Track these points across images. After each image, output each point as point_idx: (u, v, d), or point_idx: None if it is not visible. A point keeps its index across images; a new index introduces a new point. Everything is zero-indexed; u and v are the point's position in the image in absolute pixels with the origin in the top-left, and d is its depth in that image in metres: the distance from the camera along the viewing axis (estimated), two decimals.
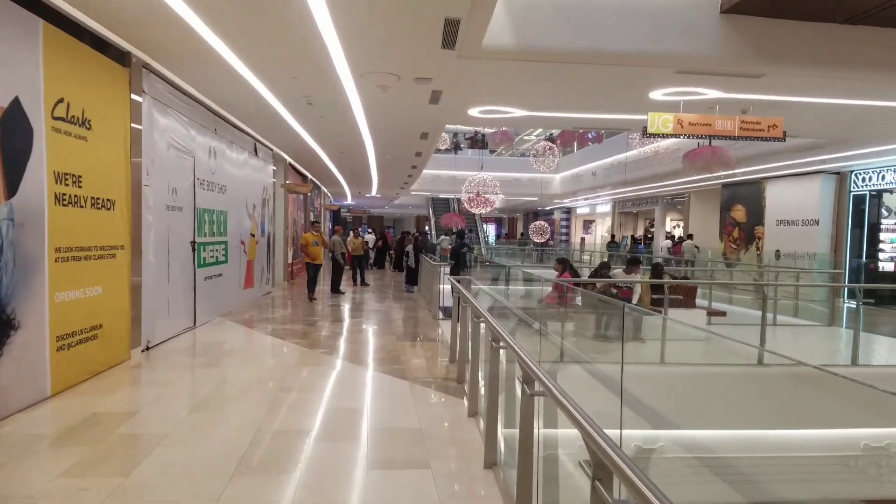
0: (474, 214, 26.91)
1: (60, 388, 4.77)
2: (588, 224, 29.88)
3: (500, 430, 3.37)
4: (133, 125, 5.96)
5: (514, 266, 12.00)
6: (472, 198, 14.74)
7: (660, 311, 8.08)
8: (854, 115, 8.02)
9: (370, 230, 27.99)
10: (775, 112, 7.58)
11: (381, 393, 5.04)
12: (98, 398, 4.66)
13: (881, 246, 13.10)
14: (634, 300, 8.47)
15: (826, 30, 5.56)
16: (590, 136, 23.92)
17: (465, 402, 4.72)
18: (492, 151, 24.74)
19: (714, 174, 11.25)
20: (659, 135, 7.29)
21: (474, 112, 8.09)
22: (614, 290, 8.02)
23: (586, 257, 20.75)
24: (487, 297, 8.72)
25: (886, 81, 6.23)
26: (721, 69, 5.90)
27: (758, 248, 15.86)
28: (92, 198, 5.25)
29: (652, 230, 23.01)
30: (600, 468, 1.54)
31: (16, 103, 4.27)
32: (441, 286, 9.88)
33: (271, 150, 12.47)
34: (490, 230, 37.76)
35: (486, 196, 14.96)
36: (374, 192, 22.99)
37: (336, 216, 26.69)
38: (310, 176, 17.75)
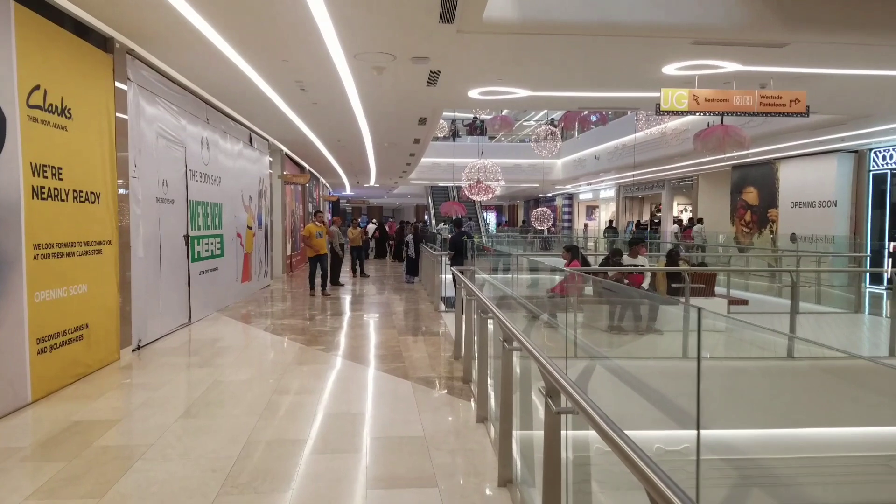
0: (474, 202, 26.54)
1: (42, 394, 4.48)
2: (591, 210, 29.45)
3: (516, 442, 3.04)
4: (118, 114, 5.62)
5: (519, 255, 11.66)
6: (473, 185, 14.36)
7: (677, 300, 7.74)
8: (880, 88, 7.60)
9: (373, 221, 27.66)
10: (796, 86, 7.16)
11: (383, 395, 4.73)
12: (81, 404, 4.37)
13: None
14: (646, 285, 8.13)
15: None
16: (592, 118, 23.43)
17: (473, 404, 4.41)
18: (491, 138, 24.27)
19: (727, 154, 10.85)
20: (673, 112, 6.89)
21: (474, 94, 7.71)
22: (626, 280, 7.67)
23: (590, 244, 20.38)
24: (493, 289, 8.40)
25: None
26: (741, 38, 5.50)
27: (772, 232, 15.45)
28: (74, 190, 4.92)
29: (658, 215, 22.59)
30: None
31: None
32: (443, 276, 9.56)
33: (267, 140, 12.11)
34: (490, 218, 37.36)
35: (488, 183, 14.58)
36: (372, 181, 22.63)
37: (335, 207, 26.35)
38: (307, 167, 17.38)
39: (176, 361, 5.76)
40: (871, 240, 13.26)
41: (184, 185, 7.39)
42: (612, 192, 25.00)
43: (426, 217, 29.43)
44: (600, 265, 7.78)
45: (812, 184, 14.14)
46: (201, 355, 6.10)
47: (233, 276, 9.70)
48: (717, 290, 8.49)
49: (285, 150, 13.70)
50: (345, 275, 13.32)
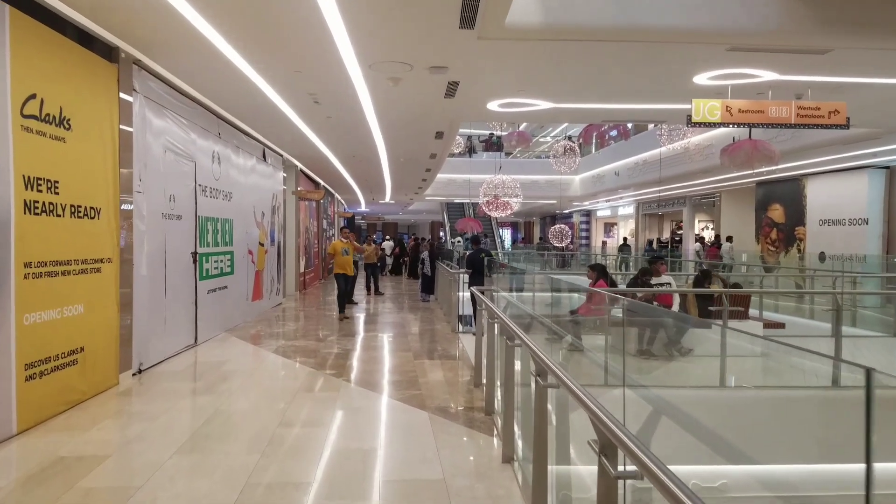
0: (490, 219, 26.19)
1: (29, 424, 4.15)
2: (609, 227, 28.94)
3: (552, 490, 2.63)
4: (122, 126, 5.37)
5: (542, 273, 11.23)
6: (491, 201, 14.02)
7: (710, 324, 7.27)
8: None
9: (388, 237, 27.44)
10: (834, 97, 6.75)
11: (397, 428, 4.34)
12: (70, 436, 4.04)
13: None
14: (675, 306, 7.68)
15: None
16: (610, 134, 23.07)
17: (496, 440, 4.00)
18: (507, 154, 24.01)
19: (755, 170, 10.39)
20: (705, 124, 6.50)
21: (494, 106, 7.40)
22: (655, 302, 7.23)
23: (609, 261, 19.87)
24: (516, 309, 7.98)
25: None
26: (781, 44, 5.13)
27: (799, 250, 14.87)
28: (72, 205, 4.65)
29: (679, 232, 22.03)
30: None
31: None
32: (461, 293, 9.18)
33: (281, 155, 11.92)
34: (506, 235, 36.93)
35: (505, 199, 14.23)
36: (387, 198, 22.41)
37: (350, 223, 26.16)
38: (322, 182, 17.20)
39: (178, 387, 5.43)
40: None
41: (192, 201, 7.13)
42: (630, 209, 24.52)
43: (441, 233, 29.09)
44: (629, 285, 7.34)
45: (842, 201, 13.59)
46: (205, 380, 5.76)
47: (243, 295, 9.40)
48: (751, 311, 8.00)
49: (300, 165, 13.51)
50: (359, 293, 12.98)
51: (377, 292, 14.09)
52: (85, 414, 4.56)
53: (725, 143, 10.82)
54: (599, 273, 7.13)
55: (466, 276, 9.23)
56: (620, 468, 1.77)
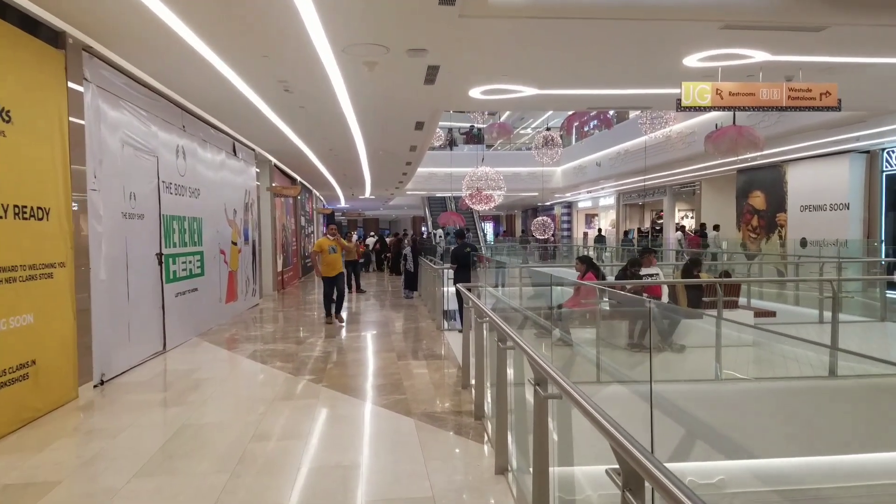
0: (472, 213, 25.91)
1: None
2: (590, 218, 28.88)
3: None
4: (72, 118, 4.92)
5: (528, 266, 10.97)
6: (474, 194, 13.71)
7: (702, 314, 7.08)
8: None
9: (372, 234, 27.00)
10: (824, 78, 6.58)
11: (381, 438, 4.02)
12: (19, 459, 3.64)
13: None
14: (664, 298, 7.47)
15: None
16: (589, 126, 22.92)
17: (487, 447, 3.70)
18: (489, 146, 23.72)
19: (740, 156, 10.24)
20: (694, 108, 6.25)
21: (476, 93, 7.07)
22: (644, 293, 7.01)
23: (590, 253, 19.74)
24: (503, 304, 7.70)
25: None
26: (777, 21, 4.89)
27: (780, 237, 14.86)
28: (15, 206, 4.22)
29: (660, 222, 22.00)
30: None
31: None
32: (445, 289, 8.87)
33: (253, 150, 11.44)
34: (488, 228, 36.73)
35: (489, 192, 13.94)
36: (367, 193, 21.97)
37: (330, 220, 25.63)
38: (299, 178, 16.71)
39: (143, 399, 5.02)
40: (885, 244, 12.69)
41: (156, 199, 6.68)
42: (611, 200, 24.45)
43: (423, 228, 28.70)
44: (617, 277, 7.11)
45: (823, 186, 13.58)
46: (173, 390, 5.36)
47: (215, 297, 8.96)
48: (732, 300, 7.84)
49: (274, 160, 13.03)
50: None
51: (358, 290, 13.71)
52: (38, 433, 4.15)
53: (708, 131, 10.67)
54: (588, 265, 6.87)
55: (451, 272, 8.92)
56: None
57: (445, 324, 8.58)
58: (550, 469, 2.39)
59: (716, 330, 6.28)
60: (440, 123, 15.52)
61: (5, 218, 4.12)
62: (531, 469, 2.50)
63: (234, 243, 10.05)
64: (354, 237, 20.07)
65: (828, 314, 8.45)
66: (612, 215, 25.00)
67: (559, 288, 7.23)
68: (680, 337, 6.96)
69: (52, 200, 4.63)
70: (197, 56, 5.45)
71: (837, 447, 5.05)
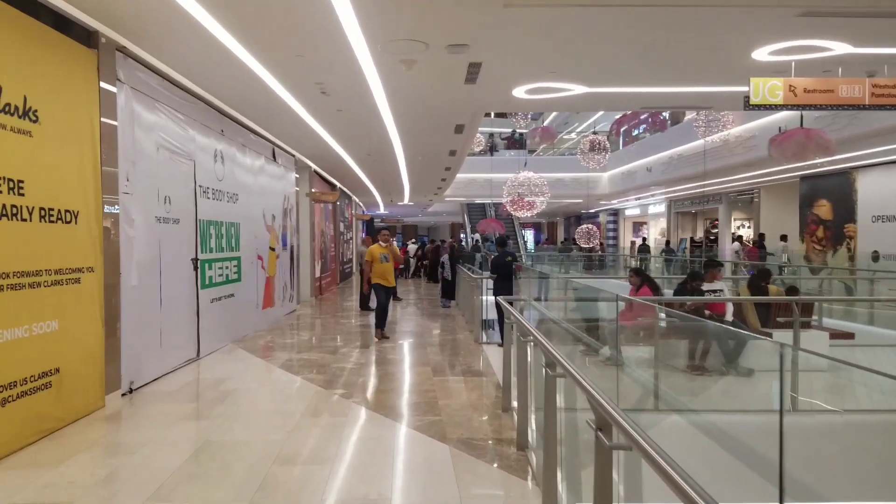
0: (512, 220, 25.37)
1: None
2: (638, 227, 27.86)
3: None
4: (105, 119, 4.80)
5: (579, 278, 10.43)
6: (515, 200, 13.26)
7: (771, 334, 6.42)
8: None
9: (413, 240, 26.82)
10: None
11: (413, 468, 3.65)
12: (34, 476, 3.45)
13: None
14: (729, 315, 6.84)
15: None
16: (639, 129, 22.09)
17: (531, 484, 3.28)
18: (531, 152, 23.18)
19: (808, 161, 9.46)
20: (764, 106, 5.66)
21: (520, 92, 6.67)
22: (706, 311, 6.41)
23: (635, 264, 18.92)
24: (544, 316, 7.22)
25: None
26: (865, 6, 4.31)
27: (849, 249, 13.78)
28: (41, 208, 4.08)
29: (715, 231, 20.93)
30: None
31: None
32: (484, 298, 8.44)
33: (293, 156, 11.35)
34: (529, 236, 36.04)
35: (531, 198, 13.45)
36: (406, 199, 21.79)
37: (370, 226, 25.57)
38: (338, 184, 16.65)
39: (169, 410, 4.82)
40: None
41: (192, 203, 6.57)
42: (662, 208, 23.46)
43: (462, 235, 28.32)
44: (676, 292, 6.54)
45: None
46: (201, 401, 5.16)
47: (252, 303, 8.84)
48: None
49: (313, 166, 12.95)
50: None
51: (395, 297, 13.45)
52: (57, 446, 3.98)
53: (770, 134, 9.91)
54: (644, 279, 6.34)
55: (489, 281, 8.49)
56: None
57: (484, 336, 8.18)
58: None
59: (793, 354, 5.64)
60: (480, 129, 15.16)
61: (30, 221, 3.98)
62: None
63: (272, 249, 9.95)
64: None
65: None
66: (663, 223, 23.99)
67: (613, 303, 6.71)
68: (747, 360, 6.34)
69: (80, 203, 4.49)
70: (231, 55, 5.27)
71: None
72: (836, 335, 6.73)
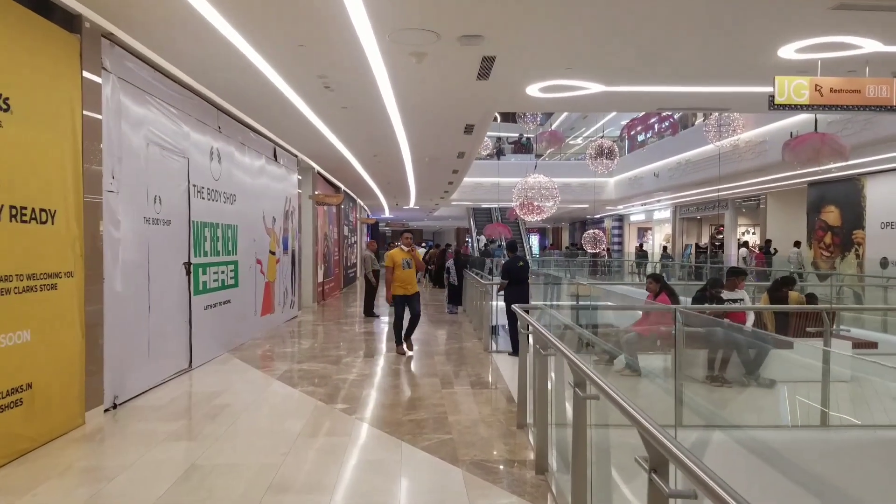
0: (518, 224, 25.00)
1: None
2: (643, 232, 27.48)
3: None
4: (87, 112, 4.43)
5: (599, 284, 10.04)
6: (524, 203, 12.88)
7: (791, 342, 6.04)
8: None
9: (423, 244, 26.44)
10: None
11: (422, 498, 3.26)
12: None
13: None
14: (749, 323, 6.46)
15: None
16: (645, 135, 21.75)
17: None
18: (538, 156, 22.84)
19: (821, 167, 9.13)
20: (789, 106, 5.31)
21: (534, 90, 6.31)
22: (726, 319, 6.04)
23: (647, 269, 18.52)
24: (557, 322, 6.84)
25: None
26: None
27: (857, 256, 13.42)
28: (12, 207, 3.72)
29: (720, 237, 20.54)
30: None
31: None
32: (494, 303, 8.04)
33: (296, 156, 11.00)
34: (533, 241, 35.67)
35: (540, 203, 13.08)
36: (412, 203, 21.45)
37: (374, 230, 25.22)
38: (342, 187, 16.30)
39: (154, 429, 4.43)
40: None
41: (185, 204, 6.20)
42: (667, 213, 23.09)
43: (467, 240, 27.93)
44: (694, 299, 6.16)
45: None
46: (190, 418, 4.77)
47: (250, 309, 8.46)
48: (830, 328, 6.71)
49: (317, 167, 12.60)
50: (379, 305, 11.93)
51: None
52: (28, 469, 3.60)
53: (781, 139, 9.53)
54: (662, 285, 5.95)
55: (497, 286, 8.09)
56: None
57: (494, 345, 7.78)
58: None
59: (822, 366, 5.26)
60: (488, 133, 14.81)
61: (0, 221, 3.61)
62: None
63: (273, 252, 9.58)
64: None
65: None
66: (668, 229, 23.62)
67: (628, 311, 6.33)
68: (769, 369, 5.96)
69: (58, 202, 4.12)
70: (228, 45, 4.91)
71: None
72: (858, 344, 6.37)
